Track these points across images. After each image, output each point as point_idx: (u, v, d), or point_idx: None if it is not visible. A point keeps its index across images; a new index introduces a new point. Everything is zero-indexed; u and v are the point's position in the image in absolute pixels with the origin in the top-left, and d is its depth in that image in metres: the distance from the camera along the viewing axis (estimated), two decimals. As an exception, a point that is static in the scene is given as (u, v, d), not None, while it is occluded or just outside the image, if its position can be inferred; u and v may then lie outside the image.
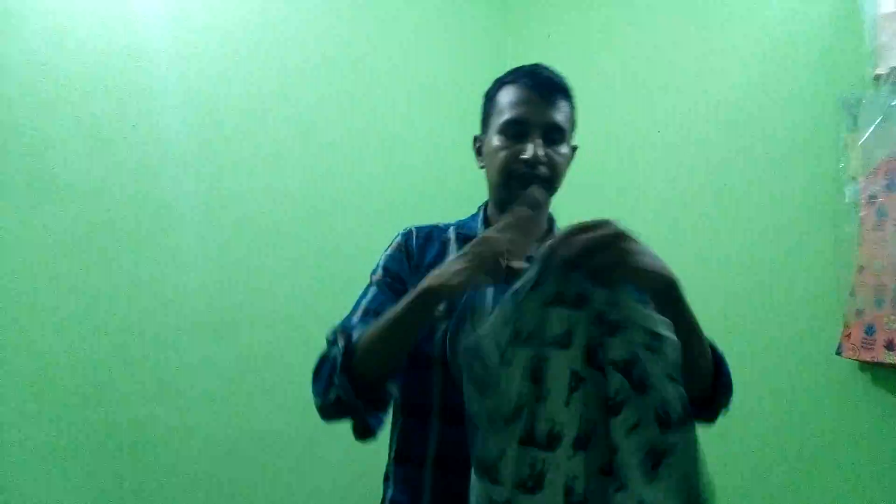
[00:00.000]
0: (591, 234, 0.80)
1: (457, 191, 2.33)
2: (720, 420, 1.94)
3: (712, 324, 1.92)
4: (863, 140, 1.65)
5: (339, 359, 0.93)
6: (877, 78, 1.66)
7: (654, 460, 0.82)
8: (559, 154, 1.10)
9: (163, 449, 1.80)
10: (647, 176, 2.22)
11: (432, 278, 0.92)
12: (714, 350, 0.99)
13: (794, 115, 1.87)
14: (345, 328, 1.02)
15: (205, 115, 1.92)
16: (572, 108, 1.15)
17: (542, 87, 1.09)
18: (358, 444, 2.21)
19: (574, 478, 0.85)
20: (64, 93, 1.67)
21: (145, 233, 1.79)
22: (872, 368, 1.64)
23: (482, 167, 1.19)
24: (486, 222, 1.21)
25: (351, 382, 0.92)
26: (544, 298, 0.83)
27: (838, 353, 1.67)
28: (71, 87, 1.68)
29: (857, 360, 1.63)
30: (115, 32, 1.75)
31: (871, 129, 1.63)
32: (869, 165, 1.64)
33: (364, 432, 0.98)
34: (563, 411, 0.85)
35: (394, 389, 0.97)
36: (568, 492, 0.85)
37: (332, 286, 2.08)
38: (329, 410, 0.98)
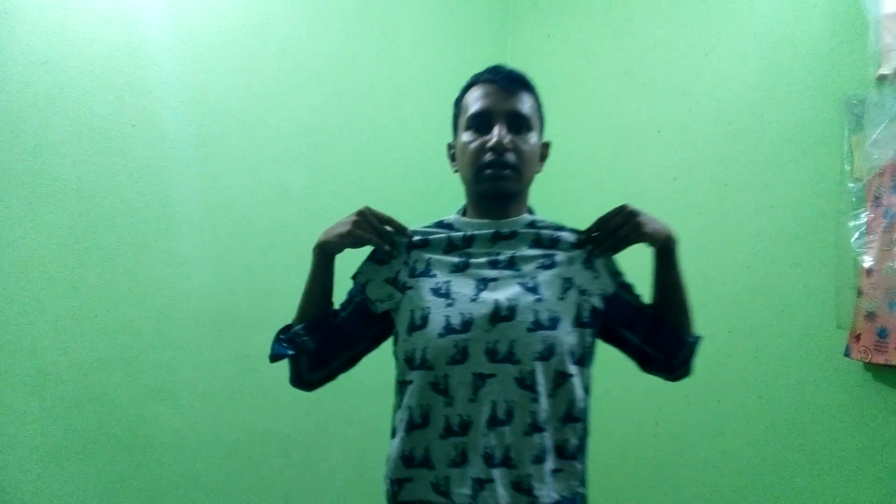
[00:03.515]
0: (614, 219, 1.07)
1: (458, 190, 2.31)
2: (729, 421, 1.95)
3: (717, 325, 1.94)
4: (869, 142, 1.64)
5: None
6: (880, 79, 1.66)
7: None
8: (525, 142, 1.12)
9: (163, 449, 1.80)
10: (648, 176, 2.21)
11: (321, 236, 1.12)
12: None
13: (796, 116, 1.86)
14: None
15: (205, 113, 1.91)
16: (537, 101, 1.17)
17: (502, 80, 1.14)
18: (358, 445, 2.21)
19: (492, 446, 1.05)
20: (63, 91, 1.66)
21: (145, 232, 1.79)
22: (882, 370, 1.63)
23: (456, 171, 1.24)
24: None
25: (283, 331, 1.19)
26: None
27: (846, 354, 1.66)
28: (70, 85, 1.68)
29: (868, 362, 1.63)
30: (114, 31, 1.75)
31: (879, 130, 1.62)
32: (874, 167, 1.63)
33: (279, 356, 1.19)
34: (469, 406, 1.06)
35: (310, 342, 1.16)
36: (487, 458, 1.04)
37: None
38: (273, 356, 1.21)
